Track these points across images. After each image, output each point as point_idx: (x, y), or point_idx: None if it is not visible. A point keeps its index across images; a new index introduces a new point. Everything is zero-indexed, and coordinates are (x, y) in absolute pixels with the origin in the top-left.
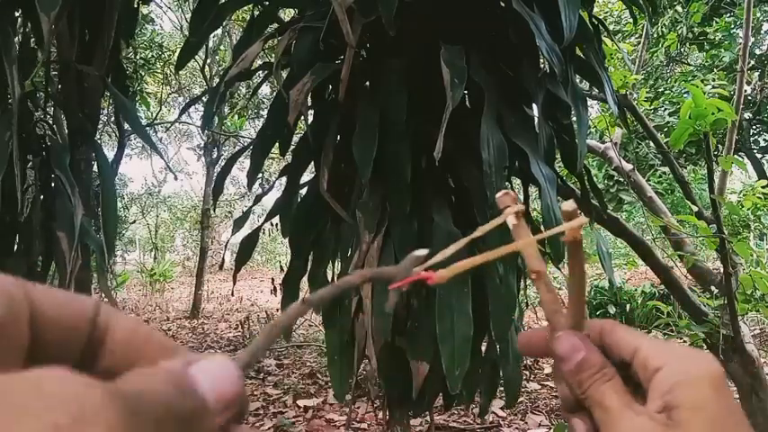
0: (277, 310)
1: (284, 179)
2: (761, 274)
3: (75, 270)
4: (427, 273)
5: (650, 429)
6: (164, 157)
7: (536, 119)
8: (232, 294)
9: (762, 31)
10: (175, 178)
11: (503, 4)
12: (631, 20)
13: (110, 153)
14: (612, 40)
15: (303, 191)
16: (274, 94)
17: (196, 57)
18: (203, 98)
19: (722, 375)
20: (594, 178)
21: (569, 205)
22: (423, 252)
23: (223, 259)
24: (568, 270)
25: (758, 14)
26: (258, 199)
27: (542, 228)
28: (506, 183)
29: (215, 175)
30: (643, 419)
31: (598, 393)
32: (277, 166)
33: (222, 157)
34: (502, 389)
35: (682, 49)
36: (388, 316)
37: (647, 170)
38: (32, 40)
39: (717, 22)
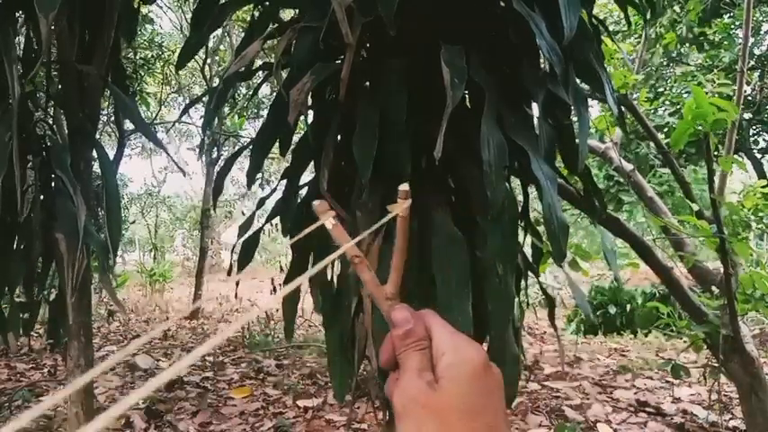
0: (277, 310)
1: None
2: (761, 274)
3: (81, 270)
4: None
5: (421, 388)
6: (168, 153)
7: (536, 118)
8: (236, 296)
9: (762, 31)
10: (184, 174)
11: (503, 4)
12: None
13: (110, 153)
14: (612, 40)
15: (303, 191)
16: (274, 94)
17: (196, 57)
18: (204, 98)
19: (483, 363)
20: (594, 178)
21: (405, 186)
22: None
23: (231, 265)
24: (396, 243)
25: (758, 15)
26: (262, 203)
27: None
28: (506, 182)
29: (215, 175)
30: (420, 382)
31: (408, 357)
32: (277, 166)
33: (222, 158)
34: None
35: (681, 50)
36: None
37: (647, 170)
38: (33, 40)
39: (716, 23)
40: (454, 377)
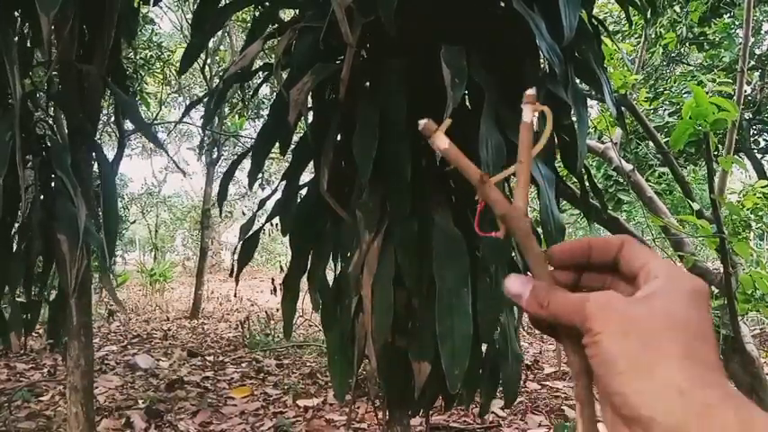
0: (277, 309)
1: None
2: (761, 274)
3: (81, 269)
4: None
5: (623, 299)
6: (168, 153)
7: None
8: (235, 295)
9: (762, 31)
10: (184, 175)
11: (503, 4)
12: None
13: (110, 153)
14: (612, 41)
15: (303, 191)
16: (274, 94)
17: None
18: (205, 99)
19: (705, 291)
20: (593, 178)
21: (531, 91)
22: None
23: (232, 266)
24: (519, 155)
25: (758, 14)
26: (263, 203)
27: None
28: (505, 183)
29: (215, 174)
30: (620, 296)
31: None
32: (277, 166)
33: (222, 158)
34: (502, 389)
35: (681, 50)
36: (388, 316)
37: (646, 170)
38: (31, 39)
39: (716, 23)
40: (666, 296)
